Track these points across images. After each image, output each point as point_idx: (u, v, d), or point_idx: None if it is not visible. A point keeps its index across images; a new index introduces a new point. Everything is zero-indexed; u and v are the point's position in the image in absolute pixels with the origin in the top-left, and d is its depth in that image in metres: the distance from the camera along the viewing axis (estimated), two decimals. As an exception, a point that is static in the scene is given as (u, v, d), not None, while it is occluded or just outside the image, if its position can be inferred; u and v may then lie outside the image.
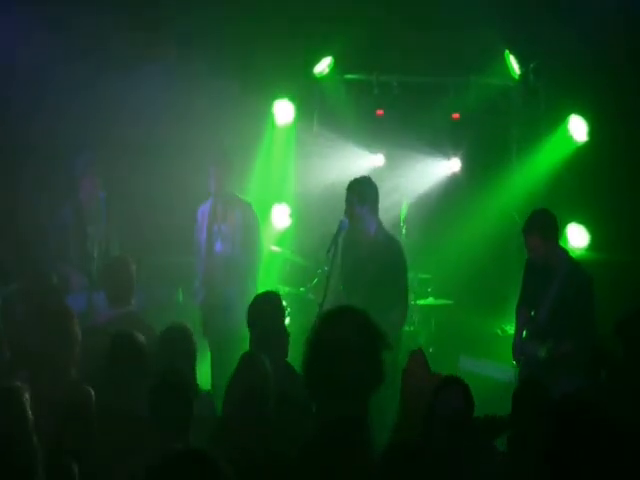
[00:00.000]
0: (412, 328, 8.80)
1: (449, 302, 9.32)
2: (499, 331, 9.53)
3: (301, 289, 9.13)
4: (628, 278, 8.55)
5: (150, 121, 9.05)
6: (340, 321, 3.73)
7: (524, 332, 6.96)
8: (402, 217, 8.98)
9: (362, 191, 7.14)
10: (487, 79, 9.76)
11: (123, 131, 8.98)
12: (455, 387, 4.63)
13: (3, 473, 4.26)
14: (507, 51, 9.55)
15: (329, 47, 9.63)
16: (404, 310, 7.24)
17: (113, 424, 4.77)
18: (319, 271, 8.82)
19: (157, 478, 3.19)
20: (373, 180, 7.29)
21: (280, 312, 5.97)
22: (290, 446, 4.27)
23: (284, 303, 6.45)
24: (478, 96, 9.70)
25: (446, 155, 9.79)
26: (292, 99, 9.76)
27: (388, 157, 9.76)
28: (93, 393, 4.88)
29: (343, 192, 7.25)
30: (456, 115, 9.79)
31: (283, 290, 8.87)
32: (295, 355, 4.95)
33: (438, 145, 9.74)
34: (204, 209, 8.24)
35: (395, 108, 9.79)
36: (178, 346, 5.49)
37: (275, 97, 9.72)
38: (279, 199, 9.83)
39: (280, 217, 9.77)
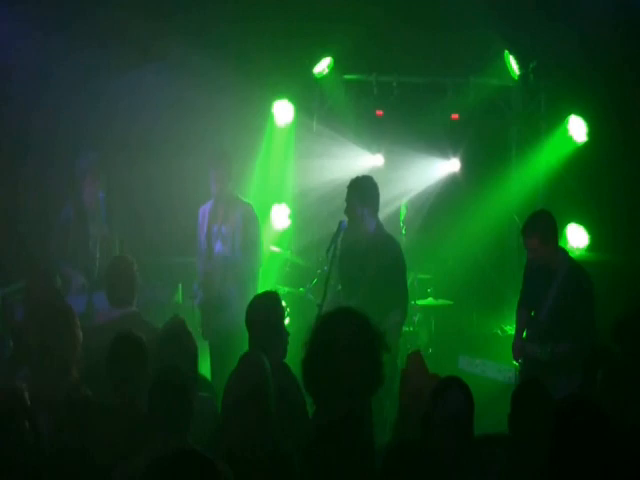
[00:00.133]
0: (412, 328, 8.79)
1: (449, 302, 9.32)
2: (499, 331, 9.55)
3: (301, 289, 9.14)
4: (627, 278, 8.56)
5: (150, 121, 9.05)
6: (339, 322, 3.74)
7: (524, 333, 6.96)
8: (402, 217, 8.98)
9: (363, 191, 7.12)
10: (487, 79, 9.77)
11: (123, 131, 8.99)
12: (456, 388, 4.62)
13: (3, 473, 4.27)
14: (507, 51, 9.56)
15: (329, 47, 9.64)
16: (404, 310, 7.20)
17: (113, 423, 4.77)
18: (319, 271, 8.84)
19: (156, 478, 3.20)
20: (374, 180, 7.28)
21: (279, 312, 5.96)
22: (289, 446, 4.28)
23: (284, 303, 6.45)
24: (477, 96, 9.71)
25: (445, 155, 9.80)
26: (292, 99, 9.76)
27: (387, 157, 9.76)
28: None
29: (343, 192, 7.23)
30: (455, 115, 9.81)
31: (283, 290, 8.88)
32: (294, 355, 4.95)
33: (437, 145, 9.74)
34: (205, 209, 8.23)
35: (395, 108, 9.80)
36: (180, 340, 5.47)
37: (275, 97, 9.73)
38: (279, 199, 9.83)
39: (280, 217, 9.78)
